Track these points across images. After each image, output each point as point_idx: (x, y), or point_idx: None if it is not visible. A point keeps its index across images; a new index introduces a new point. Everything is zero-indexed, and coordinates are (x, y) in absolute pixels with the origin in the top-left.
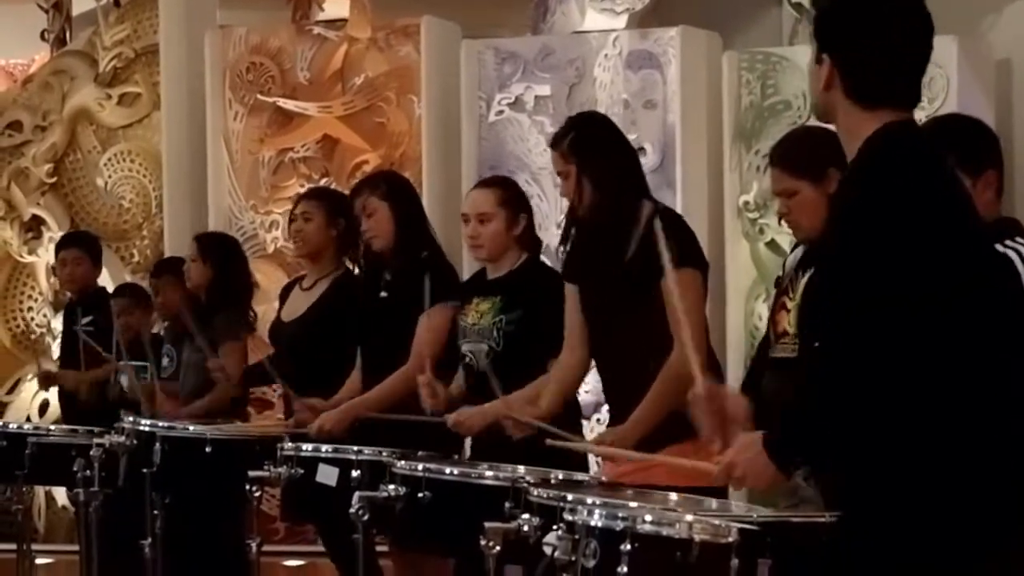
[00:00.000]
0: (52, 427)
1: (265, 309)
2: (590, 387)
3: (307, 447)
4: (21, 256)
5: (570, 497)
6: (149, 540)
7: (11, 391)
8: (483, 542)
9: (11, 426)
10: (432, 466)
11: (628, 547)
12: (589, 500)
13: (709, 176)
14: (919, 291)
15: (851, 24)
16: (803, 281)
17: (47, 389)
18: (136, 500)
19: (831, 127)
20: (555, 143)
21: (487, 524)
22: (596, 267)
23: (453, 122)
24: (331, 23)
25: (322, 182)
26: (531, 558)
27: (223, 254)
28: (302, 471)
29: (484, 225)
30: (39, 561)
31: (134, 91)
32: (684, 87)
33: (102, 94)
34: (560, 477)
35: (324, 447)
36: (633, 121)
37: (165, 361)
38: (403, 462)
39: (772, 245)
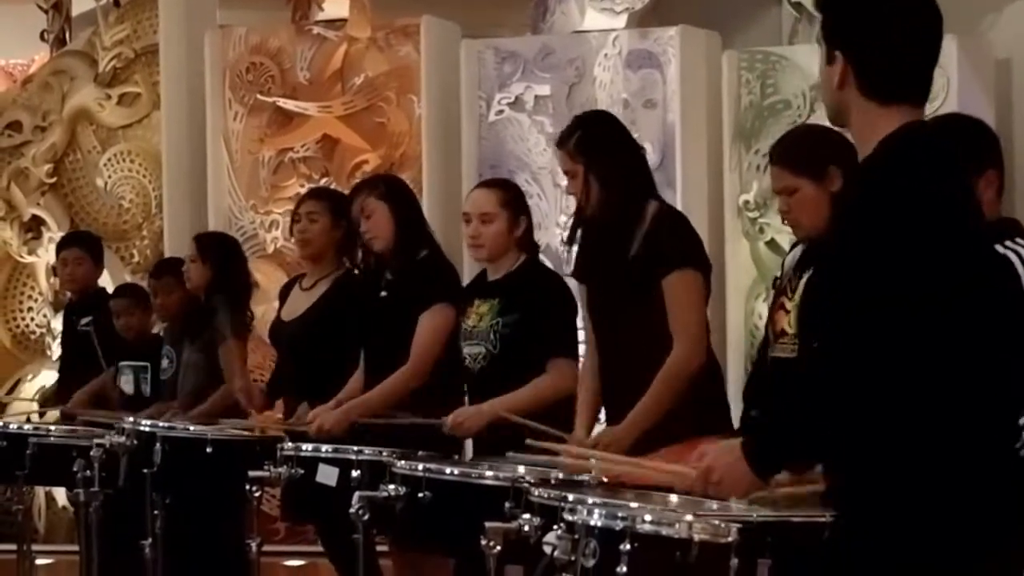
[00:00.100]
0: (52, 427)
1: (265, 309)
2: None
3: (307, 447)
4: (21, 256)
5: (570, 497)
6: (149, 540)
7: (11, 391)
8: (483, 542)
9: (11, 426)
10: (432, 466)
11: (628, 547)
12: (589, 500)
13: (709, 175)
14: (923, 291)
15: (863, 20)
16: (802, 281)
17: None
18: (136, 500)
19: (832, 126)
20: (561, 142)
21: (487, 524)
22: (600, 266)
23: (453, 122)
24: (331, 23)
25: (322, 182)
26: (531, 558)
27: (222, 254)
28: (302, 471)
29: (486, 225)
30: (39, 561)
31: (134, 91)
32: (684, 86)
33: (102, 94)
34: (560, 477)
35: (324, 447)
36: (633, 121)
37: (164, 362)
38: (403, 462)
39: (772, 244)
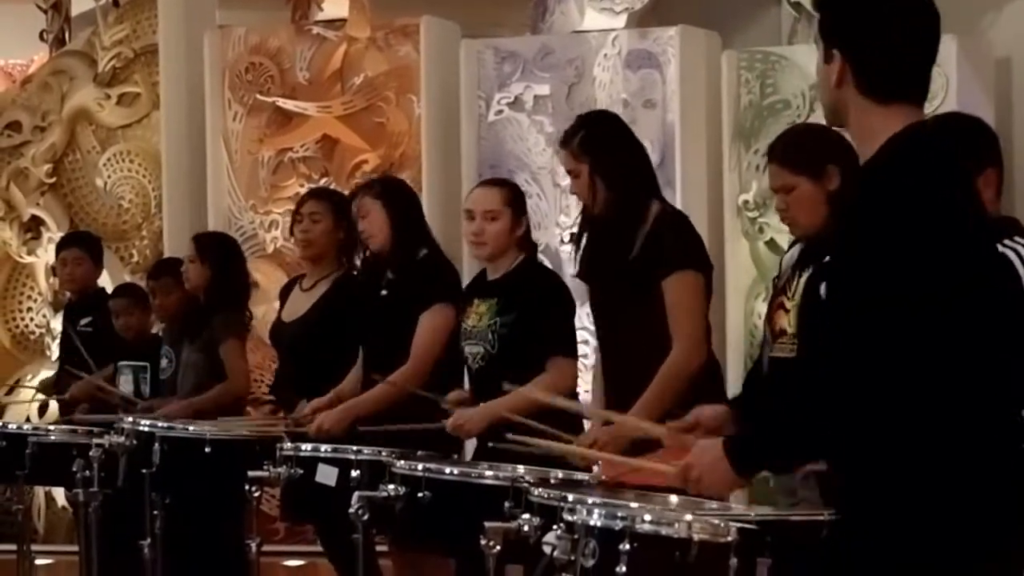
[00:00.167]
0: (52, 427)
1: (265, 309)
2: (591, 386)
3: (306, 447)
4: (20, 256)
5: (570, 497)
6: (149, 540)
7: (11, 391)
8: (483, 542)
9: (11, 426)
10: (432, 466)
11: (627, 547)
12: (589, 500)
13: (708, 175)
14: (926, 292)
15: (861, 18)
16: (802, 280)
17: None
18: (136, 500)
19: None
20: (565, 141)
21: (487, 524)
22: (602, 266)
23: (452, 122)
24: (330, 23)
25: (322, 182)
26: (531, 558)
27: (221, 254)
28: (302, 471)
29: (490, 223)
30: (39, 562)
31: (133, 91)
32: (683, 86)
33: (101, 94)
34: (560, 477)
35: (323, 447)
36: (632, 120)
37: (164, 362)
38: (403, 462)
39: (772, 244)
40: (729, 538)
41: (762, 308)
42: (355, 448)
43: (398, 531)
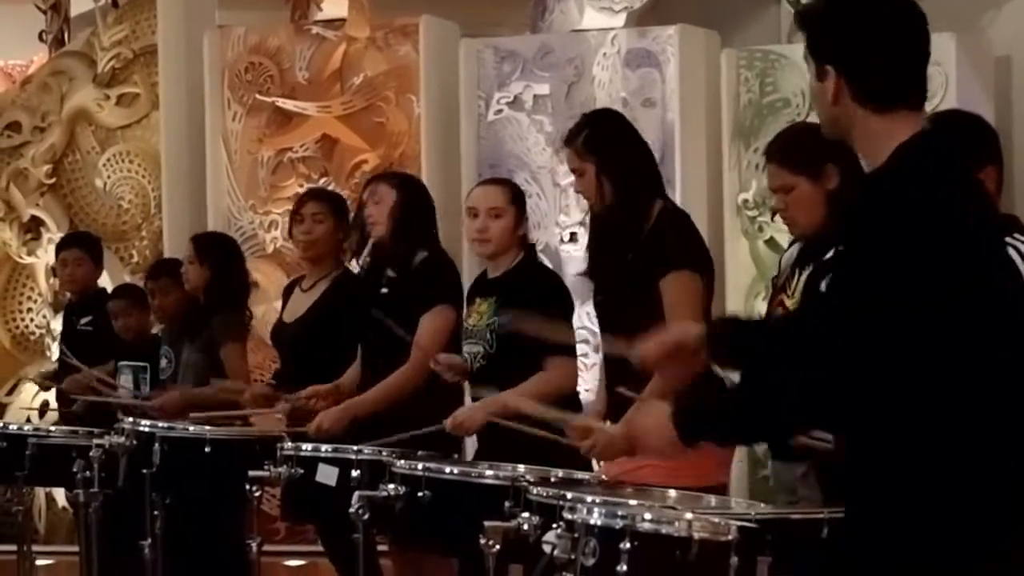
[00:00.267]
0: (52, 428)
1: (265, 309)
2: (591, 385)
3: (307, 447)
4: (20, 257)
5: (569, 496)
6: (149, 540)
7: (11, 392)
8: (483, 541)
9: (11, 427)
10: (432, 465)
11: (627, 545)
12: (588, 498)
13: (708, 174)
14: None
15: (850, 31)
16: (801, 279)
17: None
18: (136, 500)
19: None
20: (569, 140)
21: (487, 523)
22: (603, 264)
23: (452, 121)
24: (330, 23)
25: (321, 182)
26: (531, 557)
27: (220, 255)
28: (302, 471)
29: (494, 220)
30: (39, 562)
31: (133, 91)
32: (683, 85)
33: (101, 95)
34: (560, 476)
35: (324, 447)
36: (632, 119)
37: (163, 363)
38: (403, 461)
39: (771, 243)
40: (729, 536)
41: (762, 307)
42: (355, 448)
43: (398, 531)
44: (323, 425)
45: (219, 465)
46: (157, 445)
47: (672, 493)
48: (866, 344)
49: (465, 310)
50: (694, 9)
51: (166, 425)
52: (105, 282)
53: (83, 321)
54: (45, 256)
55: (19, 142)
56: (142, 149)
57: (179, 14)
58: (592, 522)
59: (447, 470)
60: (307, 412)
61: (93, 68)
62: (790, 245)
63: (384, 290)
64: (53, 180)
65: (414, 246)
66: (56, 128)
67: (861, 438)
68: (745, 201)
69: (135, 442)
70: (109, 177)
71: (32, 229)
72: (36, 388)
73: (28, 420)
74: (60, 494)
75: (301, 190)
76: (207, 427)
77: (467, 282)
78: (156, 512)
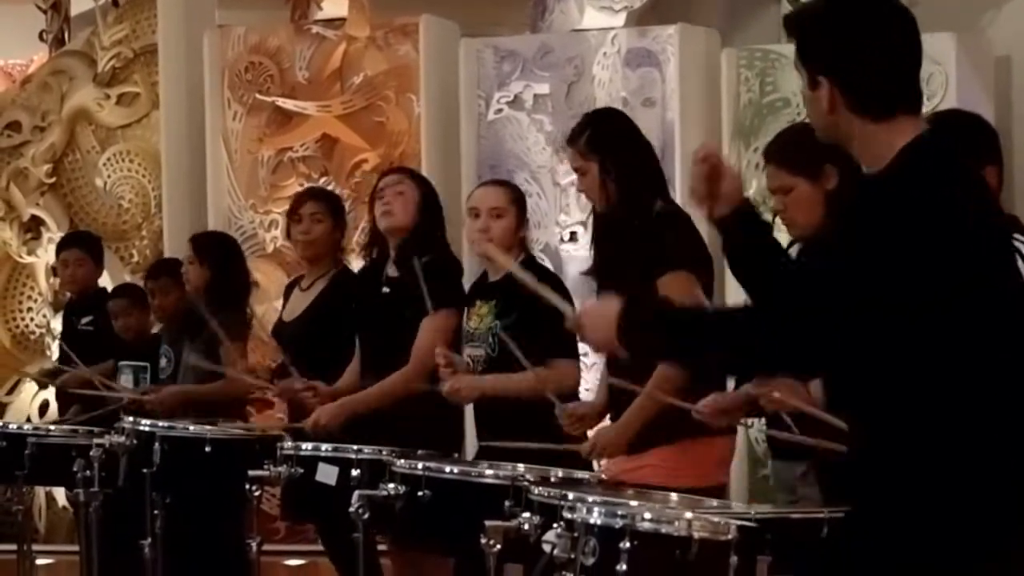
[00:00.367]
0: (52, 427)
1: (265, 309)
2: (591, 385)
3: (307, 446)
4: (20, 257)
5: (570, 495)
6: (149, 540)
7: (11, 391)
8: (483, 540)
9: (11, 426)
10: (432, 464)
11: (627, 545)
12: (589, 498)
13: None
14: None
15: (840, 39)
16: None
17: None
18: (136, 500)
19: None
20: (572, 139)
21: (487, 522)
22: (604, 263)
23: (452, 121)
24: (330, 22)
25: (321, 181)
26: (531, 556)
27: (220, 255)
28: (302, 470)
29: (495, 220)
30: (40, 562)
31: (133, 91)
32: (683, 85)
33: (101, 94)
34: (560, 475)
35: (324, 446)
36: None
37: (163, 362)
38: (403, 461)
39: None
40: (729, 536)
41: None
42: (355, 447)
43: (398, 530)
44: (320, 420)
45: (219, 464)
46: (157, 444)
47: (673, 496)
48: (866, 344)
49: (465, 312)
50: (694, 9)
51: (166, 424)
52: (105, 282)
53: (83, 321)
54: (45, 256)
55: (19, 141)
56: (142, 149)
57: (179, 14)
58: (592, 521)
59: (447, 469)
60: (304, 407)
61: (93, 67)
62: (789, 246)
63: (385, 289)
64: (53, 179)
65: (428, 246)
66: (56, 127)
67: (861, 438)
68: None
69: (135, 441)
70: (109, 176)
71: (32, 229)
72: (36, 388)
73: (28, 419)
74: (60, 493)
75: (301, 190)
76: (207, 427)
77: (467, 283)
78: (156, 511)
